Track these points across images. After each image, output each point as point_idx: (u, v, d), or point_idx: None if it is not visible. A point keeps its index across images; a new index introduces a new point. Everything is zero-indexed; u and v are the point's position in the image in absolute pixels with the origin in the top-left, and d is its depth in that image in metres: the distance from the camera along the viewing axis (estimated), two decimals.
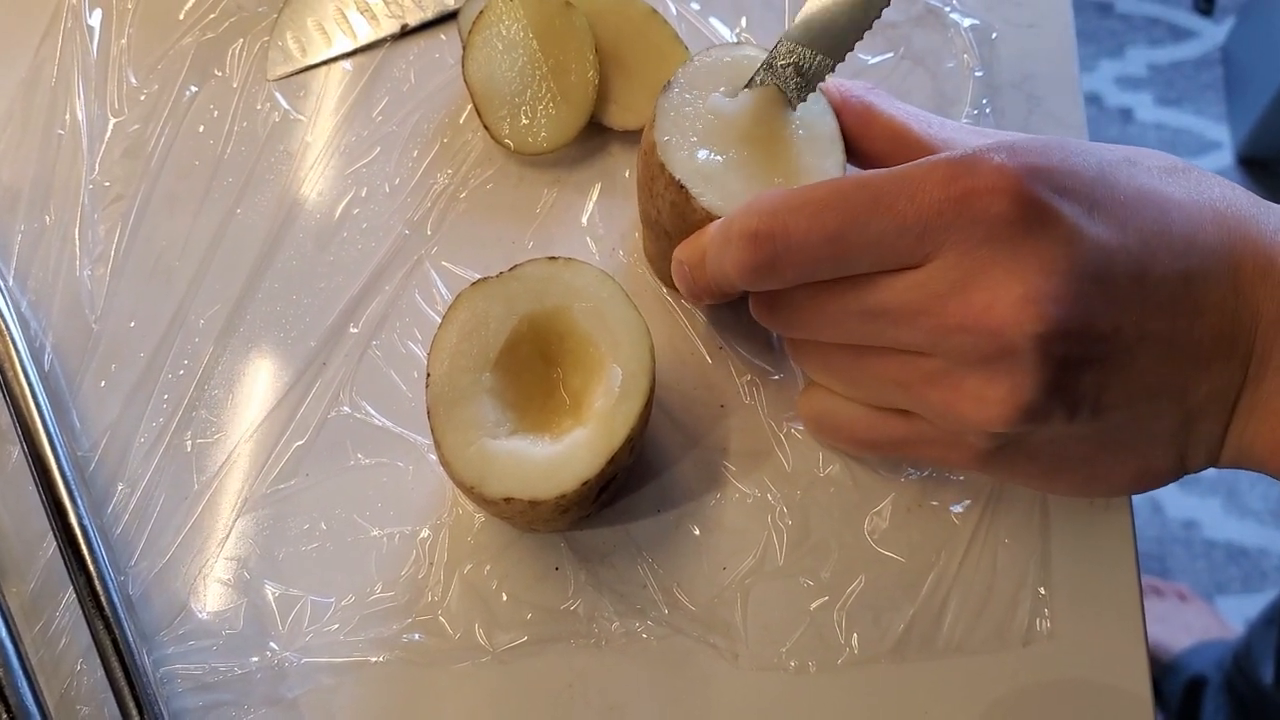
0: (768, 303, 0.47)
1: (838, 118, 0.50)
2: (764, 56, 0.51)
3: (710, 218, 0.47)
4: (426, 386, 0.47)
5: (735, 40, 0.63)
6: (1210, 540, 1.64)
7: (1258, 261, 0.41)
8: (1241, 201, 0.43)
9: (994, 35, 0.63)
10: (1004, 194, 0.39)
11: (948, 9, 0.64)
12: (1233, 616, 1.55)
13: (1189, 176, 0.43)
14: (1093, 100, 1.98)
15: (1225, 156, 1.93)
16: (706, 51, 0.51)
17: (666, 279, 0.55)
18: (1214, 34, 2.05)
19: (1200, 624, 1.48)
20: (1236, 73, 1.96)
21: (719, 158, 0.49)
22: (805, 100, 0.49)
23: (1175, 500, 1.67)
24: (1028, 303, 0.38)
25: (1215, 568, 1.62)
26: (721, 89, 0.50)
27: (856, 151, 0.50)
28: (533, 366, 0.50)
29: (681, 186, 0.48)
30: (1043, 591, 0.50)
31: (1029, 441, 0.43)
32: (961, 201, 0.39)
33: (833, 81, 0.50)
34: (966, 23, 0.63)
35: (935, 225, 0.39)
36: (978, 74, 0.62)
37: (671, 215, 0.49)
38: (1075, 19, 0.64)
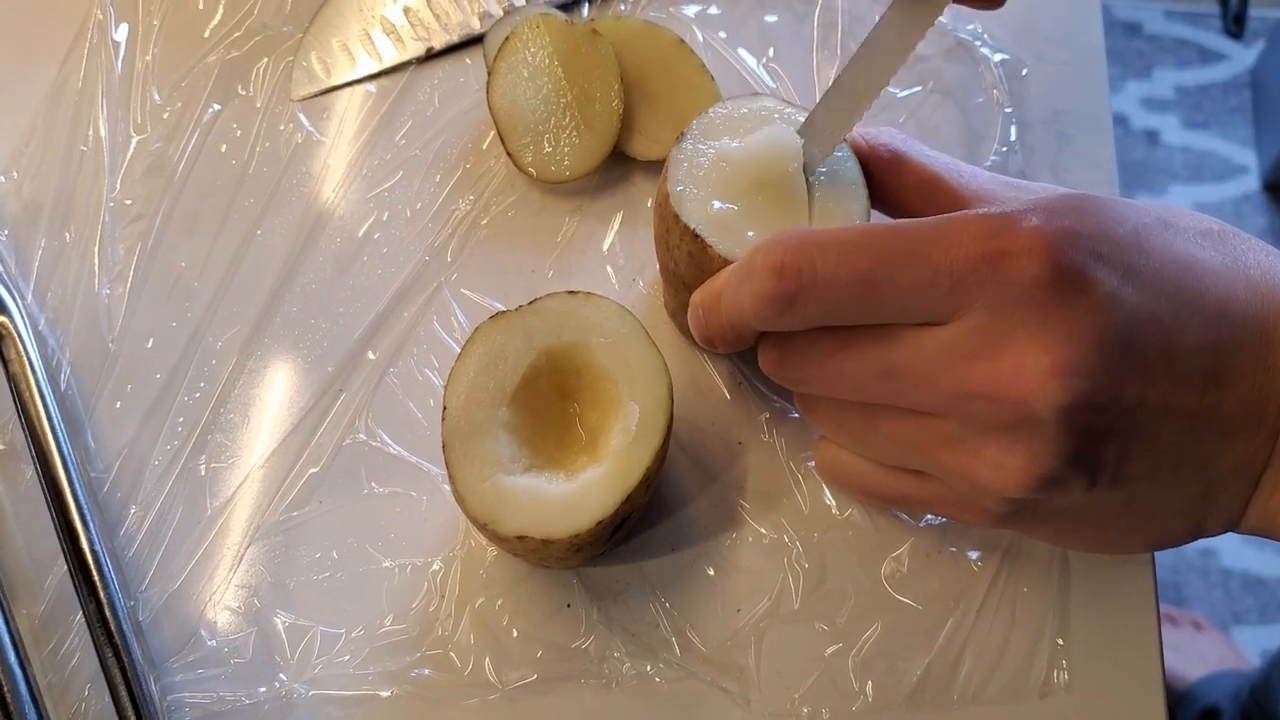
0: (778, 356, 0.46)
1: (867, 167, 0.49)
2: (781, 107, 0.50)
3: (727, 265, 0.47)
4: (443, 420, 0.47)
5: (761, 68, 0.63)
6: (1227, 570, 1.62)
7: None
8: (1279, 270, 0.42)
9: (1025, 71, 0.62)
10: (1039, 257, 0.38)
11: (978, 43, 0.63)
12: (1249, 648, 1.54)
13: (1225, 241, 0.42)
14: (1119, 121, 1.97)
15: (1251, 181, 1.91)
16: (723, 103, 0.51)
17: (688, 332, 0.54)
18: (1243, 57, 2.03)
19: (1215, 654, 1.47)
20: (1265, 97, 1.95)
21: (733, 206, 0.48)
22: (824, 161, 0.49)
23: None
24: (1055, 374, 0.38)
25: (1232, 598, 1.61)
26: (734, 141, 0.50)
27: (888, 201, 0.50)
28: (549, 401, 0.50)
29: (697, 236, 0.47)
30: (1061, 643, 0.50)
31: (1045, 506, 0.42)
32: (996, 260, 0.38)
33: (859, 129, 0.50)
34: (997, 57, 0.63)
35: (968, 281, 0.39)
36: (1007, 110, 0.61)
37: (689, 266, 0.48)
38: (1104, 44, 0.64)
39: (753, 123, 0.50)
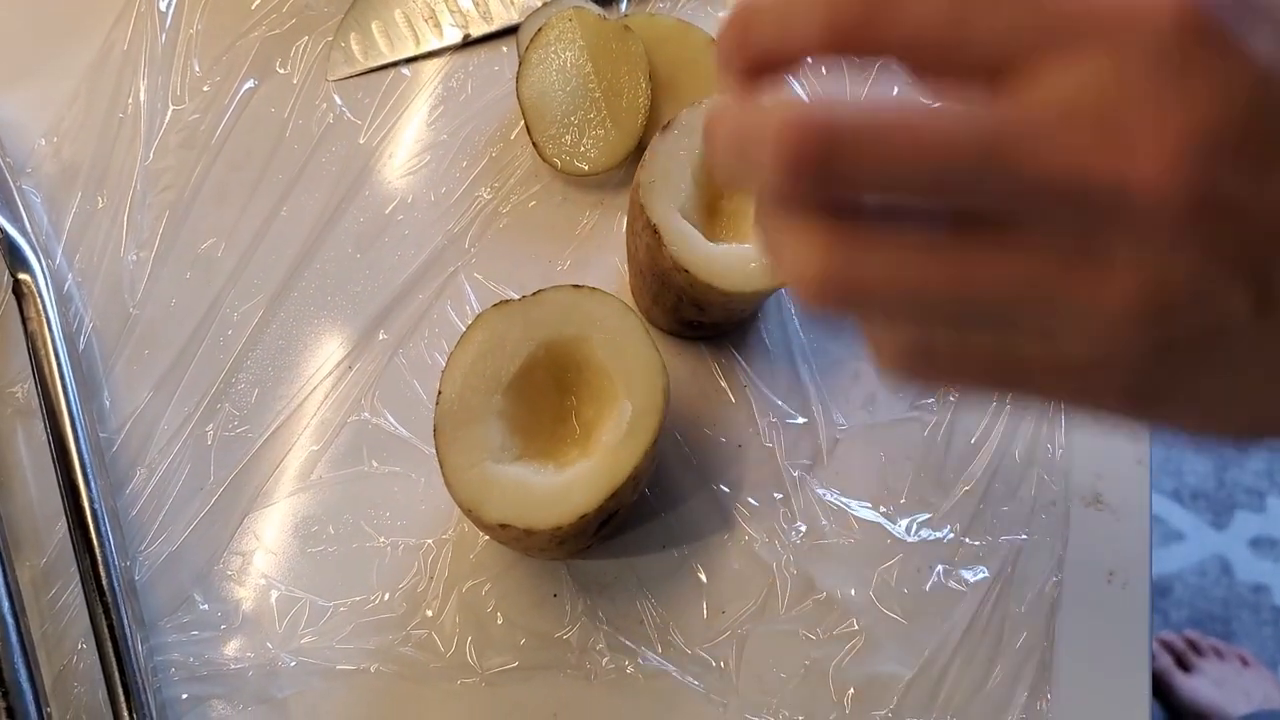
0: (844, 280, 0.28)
1: None
2: None
3: (677, 268, 0.48)
4: (437, 403, 0.47)
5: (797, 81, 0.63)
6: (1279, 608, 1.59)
7: None
8: None
9: None
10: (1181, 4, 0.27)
11: None
12: None
13: None
14: None
15: None
16: (719, 98, 0.51)
17: (649, 315, 0.55)
18: None
19: (1260, 692, 1.44)
20: None
21: (698, 208, 0.49)
22: None
23: (1246, 562, 1.62)
24: (1198, 136, 0.27)
25: None
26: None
27: None
28: (546, 393, 0.50)
29: (656, 231, 0.48)
30: (1048, 670, 0.49)
31: (1199, 342, 0.30)
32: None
33: None
34: None
35: (1085, 24, 0.28)
36: None
37: (647, 256, 0.49)
38: None
39: None
